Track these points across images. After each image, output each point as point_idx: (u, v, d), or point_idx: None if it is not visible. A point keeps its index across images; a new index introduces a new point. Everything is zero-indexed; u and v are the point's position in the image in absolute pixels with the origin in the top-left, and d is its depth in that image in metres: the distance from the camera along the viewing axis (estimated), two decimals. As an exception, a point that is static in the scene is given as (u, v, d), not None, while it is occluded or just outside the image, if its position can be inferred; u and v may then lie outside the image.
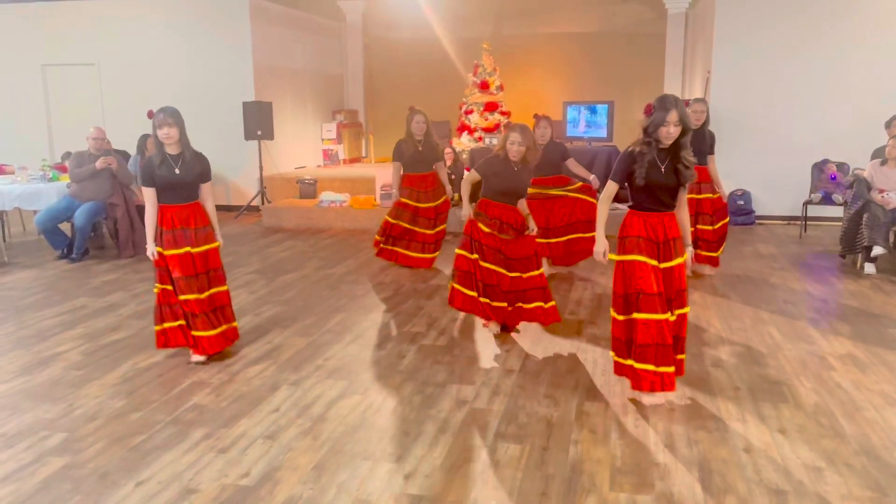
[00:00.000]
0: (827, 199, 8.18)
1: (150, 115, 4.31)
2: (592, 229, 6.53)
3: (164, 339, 4.42)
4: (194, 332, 4.36)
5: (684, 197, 3.76)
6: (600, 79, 12.49)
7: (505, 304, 4.83)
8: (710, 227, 6.26)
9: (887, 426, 3.52)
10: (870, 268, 6.51)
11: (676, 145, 3.59)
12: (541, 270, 4.84)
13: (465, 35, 12.73)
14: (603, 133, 9.49)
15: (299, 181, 10.30)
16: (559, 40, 12.93)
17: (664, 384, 3.66)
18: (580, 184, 6.51)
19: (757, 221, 9.35)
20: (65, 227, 7.75)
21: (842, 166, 8.37)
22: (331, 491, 2.96)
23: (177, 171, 4.32)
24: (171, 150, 4.36)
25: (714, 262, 6.41)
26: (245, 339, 4.90)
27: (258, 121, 9.94)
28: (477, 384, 4.07)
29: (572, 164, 6.48)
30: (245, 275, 6.79)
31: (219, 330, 4.44)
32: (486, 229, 4.76)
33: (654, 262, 3.65)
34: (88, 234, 7.58)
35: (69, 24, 10.88)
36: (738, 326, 5.09)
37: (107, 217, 7.72)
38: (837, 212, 8.24)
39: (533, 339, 4.85)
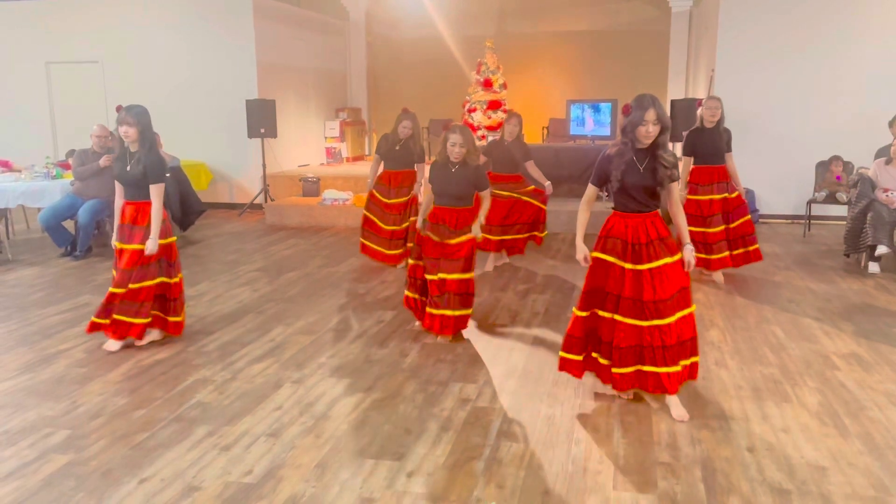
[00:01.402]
0: (831, 198, 8.18)
1: (118, 110, 4.39)
2: (532, 230, 6.60)
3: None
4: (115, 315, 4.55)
5: (676, 194, 3.67)
6: (604, 77, 12.48)
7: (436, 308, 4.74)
8: (719, 229, 6.16)
9: (891, 425, 3.51)
10: (874, 267, 6.50)
11: (655, 144, 3.51)
12: (468, 276, 4.66)
13: (468, 33, 12.72)
14: (607, 131, 9.49)
15: (302, 179, 10.30)
16: (563, 38, 12.91)
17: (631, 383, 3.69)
18: (532, 188, 6.55)
19: (761, 220, 9.32)
20: (68, 224, 7.76)
21: (846, 165, 8.35)
22: (333, 489, 2.96)
23: (128, 168, 4.44)
24: (132, 147, 4.47)
25: (757, 255, 6.26)
26: (248, 336, 4.91)
27: (261, 118, 9.94)
28: (480, 383, 4.07)
29: (531, 167, 6.54)
30: (248, 272, 6.80)
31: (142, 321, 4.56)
32: (433, 236, 4.69)
33: (629, 265, 3.57)
34: (92, 232, 7.59)
35: (73, 22, 10.89)
36: (741, 325, 5.08)
37: (110, 215, 7.73)
38: (841, 211, 8.22)
39: (535, 337, 4.85)
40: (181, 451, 3.30)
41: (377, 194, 6.76)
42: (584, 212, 3.76)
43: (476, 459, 3.20)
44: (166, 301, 4.68)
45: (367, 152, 13.13)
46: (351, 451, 3.28)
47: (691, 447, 3.29)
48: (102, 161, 7.38)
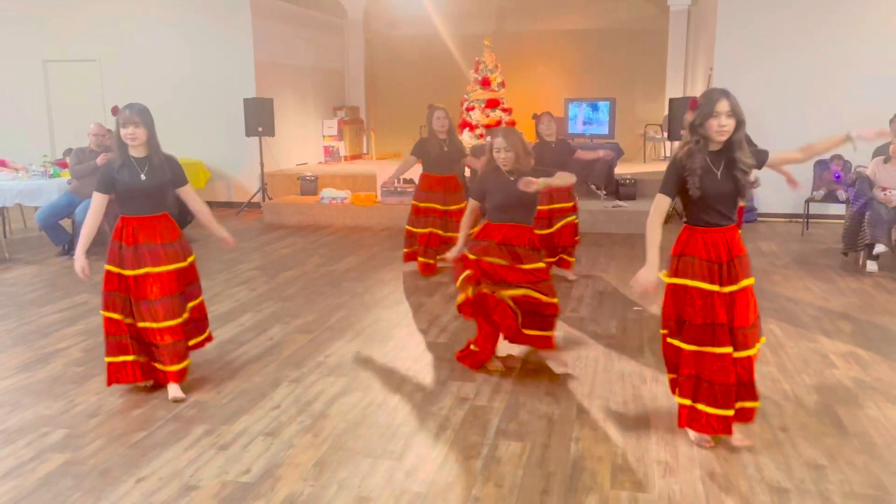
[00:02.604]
0: (830, 197, 8.18)
1: (115, 111, 3.76)
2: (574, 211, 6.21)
3: (113, 375, 3.85)
4: (159, 366, 3.84)
5: (784, 154, 3.31)
6: (602, 76, 12.47)
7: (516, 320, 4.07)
8: None
9: (889, 424, 3.51)
10: (872, 266, 6.50)
11: (731, 144, 3.08)
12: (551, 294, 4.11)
13: (466, 31, 12.70)
14: (605, 130, 9.48)
15: (300, 178, 10.29)
16: (561, 37, 12.90)
17: (722, 427, 3.17)
18: (572, 204, 6.14)
19: (759, 219, 9.33)
20: (66, 223, 7.74)
21: (844, 164, 8.35)
22: (332, 488, 2.96)
23: (142, 176, 3.78)
24: (136, 152, 3.79)
25: None
26: (246, 335, 4.90)
27: (259, 117, 9.92)
28: (478, 381, 4.06)
29: (581, 154, 6.43)
30: (246, 271, 6.79)
31: (182, 365, 3.89)
32: (484, 259, 4.00)
33: (715, 287, 3.12)
34: (90, 231, 7.57)
35: (71, 21, 10.86)
36: (739, 324, 5.07)
37: (107, 213, 7.70)
38: (840, 209, 8.22)
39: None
40: (179, 450, 3.29)
41: (432, 204, 6.22)
42: (657, 227, 3.18)
43: (474, 458, 3.19)
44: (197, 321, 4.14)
45: (364, 151, 13.12)
46: (349, 450, 3.27)
47: (689, 446, 3.28)
48: (100, 159, 7.36)
